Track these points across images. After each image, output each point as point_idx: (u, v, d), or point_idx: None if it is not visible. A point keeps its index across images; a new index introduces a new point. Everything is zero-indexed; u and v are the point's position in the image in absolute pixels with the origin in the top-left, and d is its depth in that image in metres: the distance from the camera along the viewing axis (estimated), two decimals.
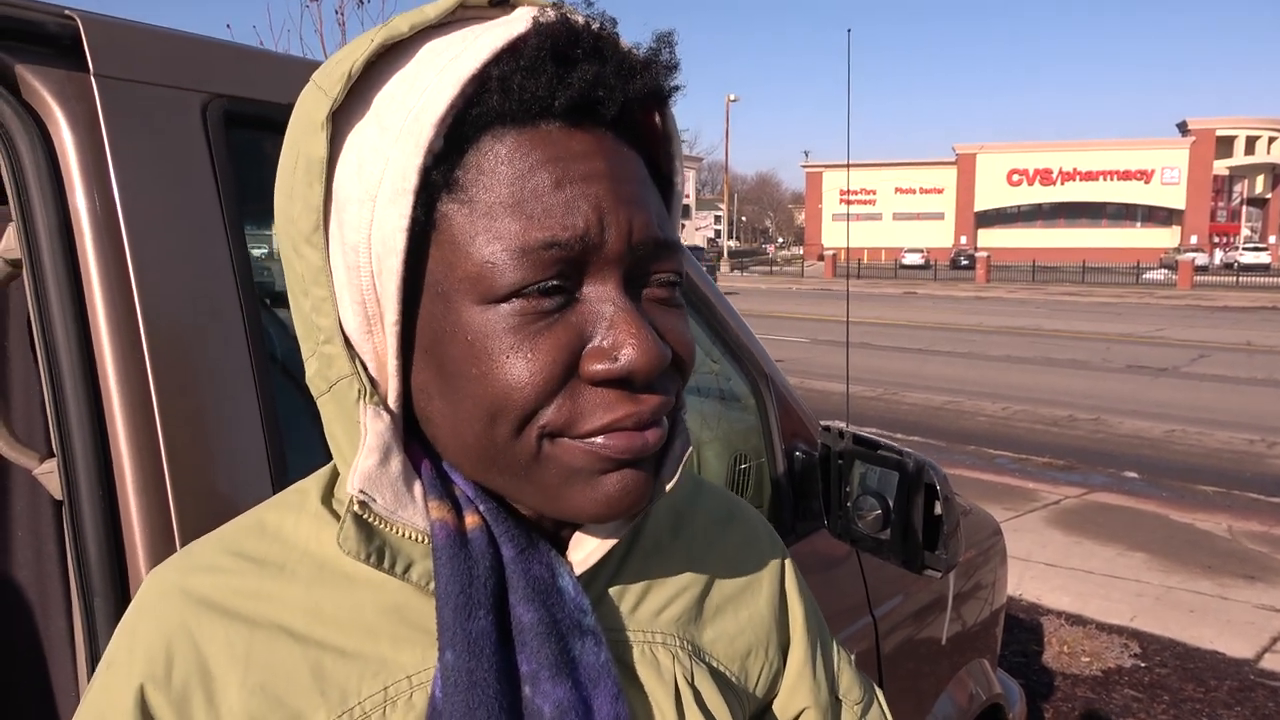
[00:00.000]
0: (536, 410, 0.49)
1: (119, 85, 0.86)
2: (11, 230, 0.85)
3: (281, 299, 2.31)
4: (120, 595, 0.81)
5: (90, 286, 0.82)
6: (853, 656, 0.80)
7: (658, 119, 0.56)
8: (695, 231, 76.35)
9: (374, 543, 0.52)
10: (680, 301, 0.55)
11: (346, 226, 0.50)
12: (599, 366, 0.48)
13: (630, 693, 0.57)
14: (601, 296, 0.49)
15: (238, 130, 0.95)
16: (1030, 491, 6.66)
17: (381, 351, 0.52)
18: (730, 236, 79.30)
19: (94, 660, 0.81)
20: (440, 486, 0.54)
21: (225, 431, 0.87)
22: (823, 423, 1.53)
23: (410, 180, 0.48)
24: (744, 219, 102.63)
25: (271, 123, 0.99)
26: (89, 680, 0.81)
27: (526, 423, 0.49)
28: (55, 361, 0.82)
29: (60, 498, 0.82)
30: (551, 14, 0.49)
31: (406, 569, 0.53)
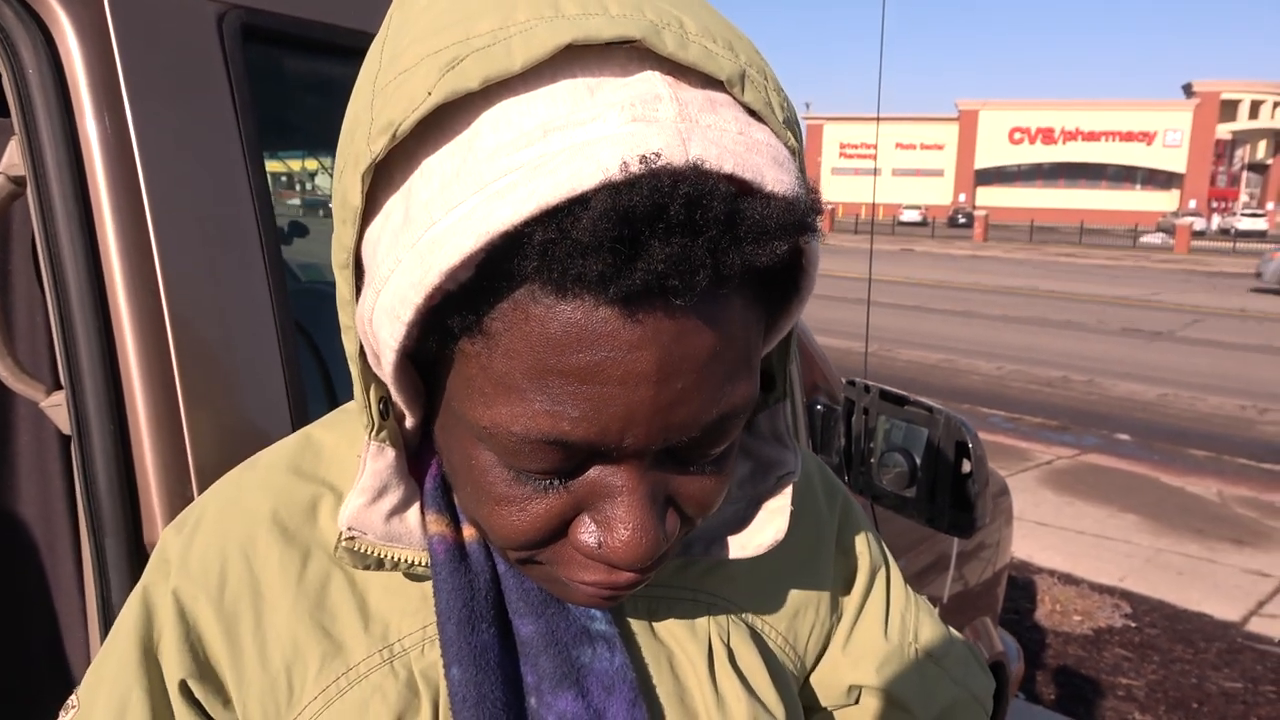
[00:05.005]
0: (518, 549, 0.47)
1: None
2: (14, 144, 0.79)
3: (299, 227, 2.26)
4: (133, 535, 0.77)
5: (100, 207, 0.77)
6: (936, 610, 0.76)
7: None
8: None
9: (369, 558, 0.51)
10: (729, 453, 0.47)
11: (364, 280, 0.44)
12: (584, 539, 0.45)
13: (660, 651, 0.57)
14: (612, 472, 0.43)
15: (256, 45, 0.89)
16: (1023, 451, 6.68)
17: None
18: None
19: (105, 601, 0.77)
20: (441, 498, 0.52)
21: (242, 361, 0.82)
22: (847, 379, 1.49)
23: (406, 313, 0.40)
24: None
25: (292, 38, 0.92)
26: (99, 621, 0.78)
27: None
28: (63, 288, 0.77)
29: (69, 432, 0.77)
30: (637, 166, 0.36)
31: (410, 568, 0.52)
